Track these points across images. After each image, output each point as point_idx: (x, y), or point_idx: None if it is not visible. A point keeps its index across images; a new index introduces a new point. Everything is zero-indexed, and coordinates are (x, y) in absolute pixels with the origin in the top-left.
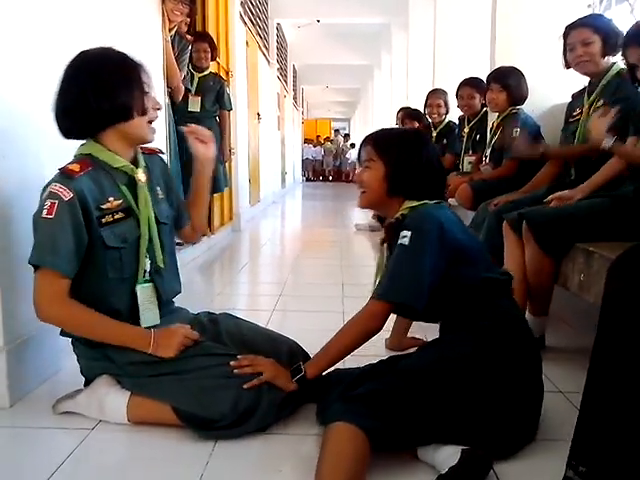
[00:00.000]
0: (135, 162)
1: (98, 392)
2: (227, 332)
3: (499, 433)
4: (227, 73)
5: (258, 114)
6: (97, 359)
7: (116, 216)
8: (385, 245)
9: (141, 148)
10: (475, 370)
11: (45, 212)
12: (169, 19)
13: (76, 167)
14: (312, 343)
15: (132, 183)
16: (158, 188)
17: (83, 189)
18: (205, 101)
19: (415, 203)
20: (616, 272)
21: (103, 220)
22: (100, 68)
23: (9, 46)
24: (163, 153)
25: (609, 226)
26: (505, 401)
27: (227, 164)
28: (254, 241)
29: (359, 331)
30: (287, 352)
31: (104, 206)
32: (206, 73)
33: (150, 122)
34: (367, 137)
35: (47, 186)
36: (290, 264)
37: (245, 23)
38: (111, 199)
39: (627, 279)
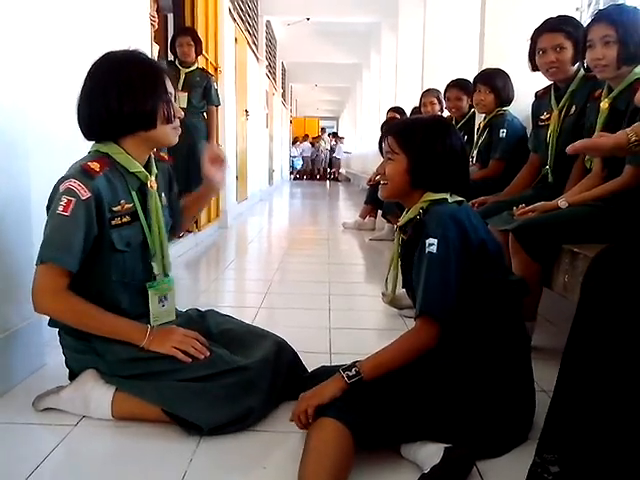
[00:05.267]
0: (148, 168)
1: (84, 387)
2: (215, 327)
3: (487, 433)
4: (216, 69)
5: (246, 111)
6: (84, 352)
7: (124, 219)
8: (399, 240)
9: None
10: (461, 370)
11: (61, 208)
12: None
13: (96, 166)
14: (299, 340)
15: (142, 189)
16: (163, 194)
17: (100, 190)
18: (192, 97)
19: (436, 196)
20: (594, 270)
21: (113, 222)
22: (125, 72)
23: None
24: (173, 162)
25: (595, 229)
26: (492, 402)
27: None
28: (241, 238)
29: (408, 348)
30: (274, 348)
31: (115, 208)
32: (193, 69)
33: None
34: (389, 128)
35: (64, 179)
36: (277, 262)
37: (234, 19)
38: (122, 202)
39: (604, 277)
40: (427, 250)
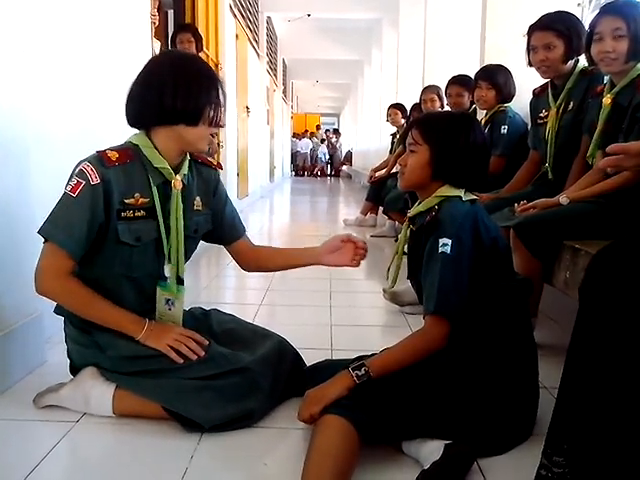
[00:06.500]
0: (178, 167)
1: (84, 385)
2: (218, 326)
3: (490, 431)
4: (216, 66)
5: (247, 107)
6: (86, 346)
7: (137, 213)
8: (406, 232)
9: (197, 157)
10: (466, 368)
11: (70, 188)
12: None
13: (114, 155)
14: (300, 337)
15: (166, 187)
16: (198, 198)
17: (111, 180)
18: None
19: (451, 192)
20: (595, 267)
21: (123, 214)
22: (186, 67)
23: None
24: (221, 169)
25: (596, 226)
26: (496, 400)
27: (215, 157)
28: None
29: (418, 347)
30: (277, 349)
31: (128, 201)
32: None
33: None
34: (415, 120)
35: (82, 161)
36: None
37: (235, 15)
38: (137, 195)
39: (606, 274)
40: (441, 250)
